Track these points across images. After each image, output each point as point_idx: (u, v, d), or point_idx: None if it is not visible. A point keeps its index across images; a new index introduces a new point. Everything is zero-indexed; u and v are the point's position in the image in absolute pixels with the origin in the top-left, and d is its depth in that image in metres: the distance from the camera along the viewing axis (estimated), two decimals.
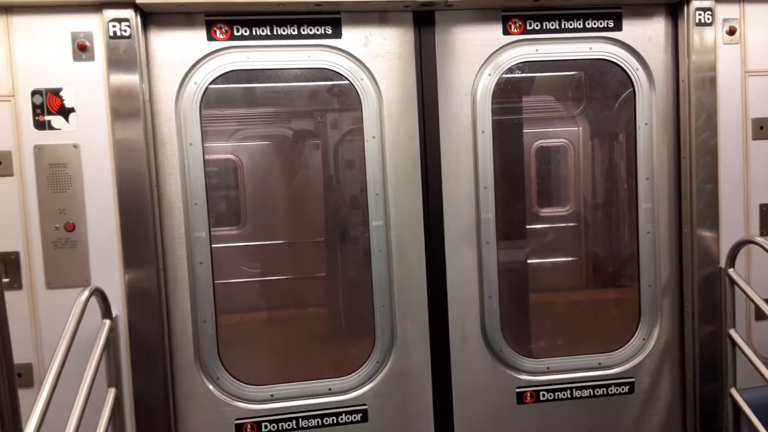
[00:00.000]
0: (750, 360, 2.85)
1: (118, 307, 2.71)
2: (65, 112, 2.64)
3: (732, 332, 3.00)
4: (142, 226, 2.71)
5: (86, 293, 2.40)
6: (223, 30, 2.81)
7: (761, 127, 3.06)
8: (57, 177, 2.65)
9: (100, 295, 2.56)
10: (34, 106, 2.62)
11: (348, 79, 2.93)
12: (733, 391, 3.01)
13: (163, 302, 2.79)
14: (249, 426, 2.95)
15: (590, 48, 3.04)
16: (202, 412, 2.92)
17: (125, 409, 2.73)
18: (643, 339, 3.22)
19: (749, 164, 3.08)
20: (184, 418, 2.90)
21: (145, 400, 2.77)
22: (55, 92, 2.63)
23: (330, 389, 3.03)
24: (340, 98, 3.25)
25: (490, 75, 2.99)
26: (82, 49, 2.63)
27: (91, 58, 2.65)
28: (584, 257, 4.20)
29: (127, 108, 2.66)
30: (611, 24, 3.03)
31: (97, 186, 2.68)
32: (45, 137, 2.63)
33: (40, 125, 2.63)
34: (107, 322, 2.60)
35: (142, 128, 2.67)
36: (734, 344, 2.98)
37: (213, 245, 2.90)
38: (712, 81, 3.01)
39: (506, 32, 2.99)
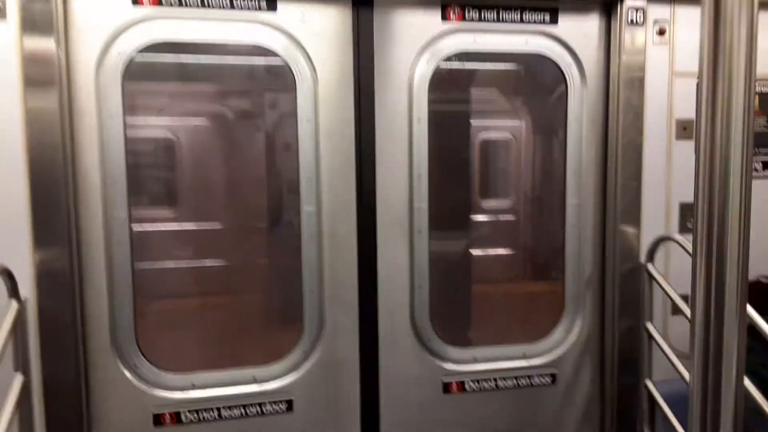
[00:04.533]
0: (665, 353, 2.96)
1: (28, 290, 2.54)
2: None
3: (649, 326, 3.10)
4: (55, 203, 2.55)
5: None
6: None
7: (684, 128, 3.17)
8: None
9: (6, 274, 2.39)
10: None
11: (282, 58, 2.83)
12: (648, 383, 3.12)
13: (76, 284, 2.63)
14: (168, 415, 2.84)
15: (526, 41, 3.06)
16: (117, 401, 2.78)
17: (33, 397, 2.57)
18: (566, 331, 3.29)
19: (672, 163, 3.18)
20: (98, 407, 2.76)
21: (56, 388, 2.62)
22: None
23: (254, 378, 2.95)
24: (277, 78, 3.14)
25: (428, 62, 2.97)
26: None
27: (2, 17, 2.44)
28: (518, 249, 4.27)
29: (41, 75, 2.48)
30: (547, 18, 3.06)
31: (5, 157, 2.49)
32: None
33: None
34: (14, 303, 2.43)
35: (57, 97, 2.50)
36: (651, 337, 3.09)
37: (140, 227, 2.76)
38: (641, 81, 3.09)
39: (445, 19, 2.96)
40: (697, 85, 0.88)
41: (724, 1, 0.82)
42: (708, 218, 0.87)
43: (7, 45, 2.47)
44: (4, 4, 2.44)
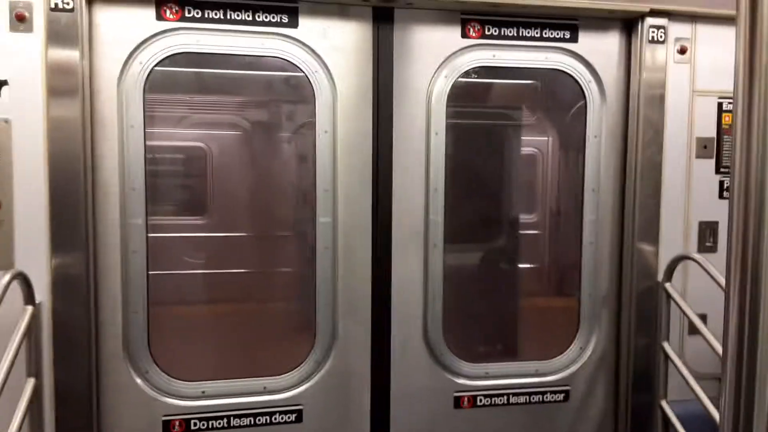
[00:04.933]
0: (681, 373, 2.93)
1: (43, 294, 2.56)
2: None
3: (665, 345, 3.07)
4: (74, 210, 2.57)
5: (7, 277, 2.26)
6: (174, 10, 2.69)
7: (705, 146, 3.15)
8: None
9: (23, 279, 2.41)
10: None
11: (302, 71, 2.85)
12: (664, 403, 3.08)
13: (91, 290, 2.65)
14: (177, 423, 2.84)
15: (546, 57, 3.06)
16: (128, 407, 2.79)
17: (44, 401, 2.58)
18: (581, 348, 3.26)
19: (691, 182, 3.15)
20: (109, 413, 2.77)
21: (67, 393, 2.63)
22: None
23: (265, 387, 2.95)
24: (296, 90, 3.16)
25: (446, 77, 2.97)
26: (19, 20, 2.47)
27: (29, 30, 2.49)
28: (534, 264, 4.23)
29: (64, 85, 2.52)
30: (567, 35, 3.06)
31: (27, 164, 2.53)
32: None
33: None
34: (29, 308, 2.45)
35: (79, 107, 2.53)
36: (667, 357, 3.05)
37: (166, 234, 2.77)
38: (661, 98, 3.07)
39: (465, 35, 2.97)
40: (733, 102, 0.86)
41: (760, 17, 0.80)
42: (743, 241, 0.85)
43: (33, 56, 2.50)
44: (31, 17, 2.48)
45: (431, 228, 3.02)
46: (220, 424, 2.88)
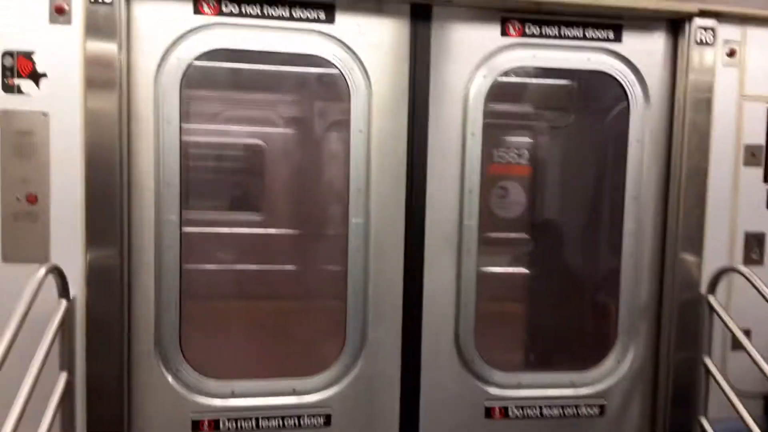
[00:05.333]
0: (723, 390, 2.82)
1: (77, 288, 2.57)
2: (36, 77, 2.50)
3: (707, 360, 2.96)
4: (109, 204, 2.58)
5: (42, 271, 2.26)
6: (211, 5, 2.69)
7: (753, 154, 3.03)
8: (22, 145, 2.50)
9: (57, 273, 2.42)
10: (4, 68, 2.47)
11: (338, 68, 2.82)
12: (703, 421, 2.97)
13: (125, 286, 2.66)
14: (206, 422, 2.82)
15: (588, 58, 2.98)
16: (157, 404, 2.79)
17: (76, 396, 2.59)
18: (618, 360, 3.16)
19: (738, 190, 3.04)
20: (139, 409, 2.77)
21: (98, 387, 2.64)
22: (27, 55, 2.49)
23: (294, 389, 2.92)
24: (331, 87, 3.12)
25: (485, 77, 2.92)
26: (59, 12, 2.49)
27: (68, 22, 2.51)
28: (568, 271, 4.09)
29: (102, 78, 2.53)
30: (611, 35, 2.98)
31: (64, 158, 2.54)
32: (13, 102, 2.49)
33: (9, 89, 2.49)
34: (63, 302, 2.46)
35: (116, 100, 2.54)
36: (708, 373, 2.94)
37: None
38: (708, 102, 2.97)
39: (504, 34, 2.92)
40: None
41: None
42: None
43: (71, 48, 2.52)
44: (69, 9, 2.50)
45: (465, 232, 2.96)
46: (248, 425, 2.86)
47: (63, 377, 2.48)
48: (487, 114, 2.95)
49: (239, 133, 3.38)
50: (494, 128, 3.24)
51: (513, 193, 3.44)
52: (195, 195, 3.04)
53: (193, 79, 2.78)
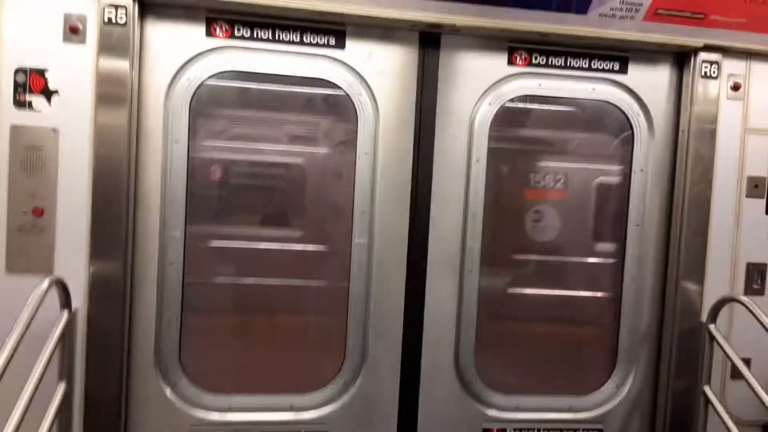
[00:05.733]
0: (722, 419, 2.82)
1: (79, 300, 2.59)
2: (48, 94, 2.53)
3: (707, 389, 2.96)
4: (115, 219, 2.61)
5: (46, 283, 2.28)
6: (224, 28, 2.73)
7: (756, 186, 3.05)
8: (31, 160, 2.53)
9: (60, 285, 2.44)
10: (16, 85, 2.51)
11: (346, 93, 2.86)
12: None
13: (127, 299, 2.68)
14: None
15: (593, 89, 3.01)
16: (155, 417, 2.80)
17: (74, 407, 2.61)
18: (617, 386, 3.16)
19: (741, 221, 3.05)
20: (136, 422, 2.78)
21: (97, 399, 2.66)
22: (40, 72, 2.52)
23: (291, 406, 2.93)
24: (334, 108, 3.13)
25: (490, 104, 2.95)
26: (73, 31, 2.53)
27: (82, 42, 2.54)
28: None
29: (113, 95, 2.56)
30: (617, 67, 3.01)
31: (72, 173, 2.57)
32: (24, 117, 2.52)
33: (21, 104, 2.52)
34: (65, 313, 2.48)
35: (126, 118, 2.58)
36: (708, 401, 2.94)
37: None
38: (712, 134, 2.99)
39: (511, 63, 2.95)
40: None
41: None
42: None
43: (84, 66, 2.56)
44: (84, 29, 2.54)
45: (468, 254, 2.98)
46: None
47: (62, 387, 2.49)
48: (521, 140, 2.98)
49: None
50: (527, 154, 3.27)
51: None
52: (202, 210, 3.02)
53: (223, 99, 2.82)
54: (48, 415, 2.33)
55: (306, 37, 2.80)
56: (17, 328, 2.06)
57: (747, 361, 2.84)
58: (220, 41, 2.74)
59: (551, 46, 2.95)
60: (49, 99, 2.53)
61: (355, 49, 2.84)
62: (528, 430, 3.09)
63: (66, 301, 2.49)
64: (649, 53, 3.02)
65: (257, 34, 2.76)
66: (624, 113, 3.04)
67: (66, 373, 2.53)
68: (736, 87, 3.00)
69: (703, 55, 2.96)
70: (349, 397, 2.96)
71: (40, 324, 2.20)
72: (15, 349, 2.00)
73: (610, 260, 3.21)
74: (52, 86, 2.53)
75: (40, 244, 2.56)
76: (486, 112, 2.95)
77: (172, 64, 2.70)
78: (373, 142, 2.88)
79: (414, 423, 3.01)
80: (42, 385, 2.18)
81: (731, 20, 2.87)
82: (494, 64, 2.94)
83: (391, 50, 2.87)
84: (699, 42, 2.92)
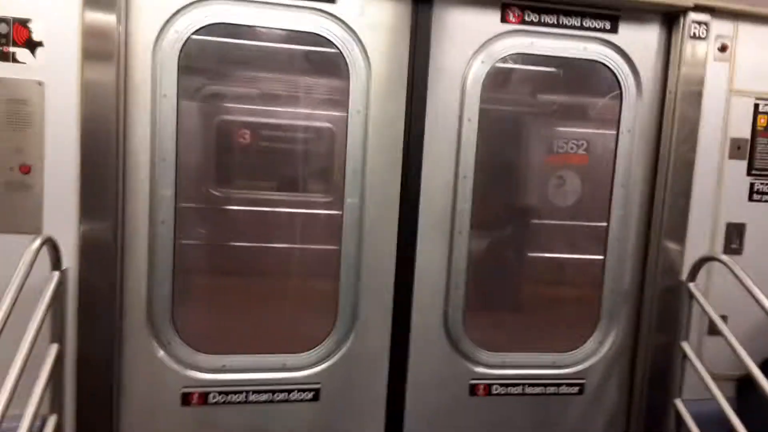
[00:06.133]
0: (699, 373, 2.93)
1: (70, 260, 2.56)
2: (32, 46, 2.45)
3: (684, 344, 3.07)
4: (104, 177, 2.56)
5: (38, 242, 2.25)
6: None
7: (738, 147, 3.12)
8: (16, 114, 2.46)
9: (51, 245, 2.40)
10: None
11: (338, 48, 2.81)
12: (678, 402, 3.09)
13: (118, 258, 2.65)
14: (196, 395, 2.85)
15: (585, 48, 3.02)
16: (148, 377, 2.81)
17: (66, 368, 2.59)
18: (599, 342, 3.26)
19: (723, 182, 3.13)
20: (129, 382, 2.78)
21: (89, 360, 2.65)
22: (23, 22, 2.44)
23: (285, 365, 2.96)
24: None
25: (483, 62, 2.94)
26: None
27: None
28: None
29: (100, 49, 2.49)
30: (608, 26, 3.02)
31: (59, 129, 2.51)
32: (7, 70, 2.44)
33: (4, 56, 2.44)
34: (56, 274, 2.45)
35: (114, 72, 2.51)
36: (685, 356, 3.05)
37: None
38: (699, 96, 3.04)
39: (504, 20, 2.94)
40: None
41: None
42: None
43: (69, 18, 2.47)
44: None
45: (458, 215, 3.00)
46: (237, 398, 2.89)
47: (54, 349, 2.47)
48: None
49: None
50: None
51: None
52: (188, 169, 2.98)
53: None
54: (41, 378, 2.31)
55: None
56: (10, 289, 2.03)
57: (724, 318, 2.93)
58: None
59: (545, 3, 2.94)
60: (33, 51, 2.45)
61: (347, 3, 2.79)
62: (513, 385, 3.17)
63: (57, 261, 2.46)
64: (639, 12, 3.04)
65: None
66: (614, 73, 3.06)
67: (58, 334, 2.50)
68: (723, 48, 3.04)
69: (692, 15, 2.98)
70: (340, 355, 3.00)
71: (29, 284, 2.17)
72: (9, 312, 1.97)
73: (597, 223, 3.27)
74: (36, 37, 2.45)
75: (28, 203, 2.51)
76: (479, 70, 2.94)
77: (159, 17, 2.63)
78: (366, 99, 2.85)
79: (403, 380, 3.07)
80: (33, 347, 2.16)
81: None
82: (487, 20, 2.92)
83: (384, 4, 2.82)
84: (689, 2, 2.94)
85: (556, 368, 3.23)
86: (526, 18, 2.95)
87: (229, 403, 2.89)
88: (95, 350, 2.65)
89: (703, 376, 2.90)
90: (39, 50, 2.45)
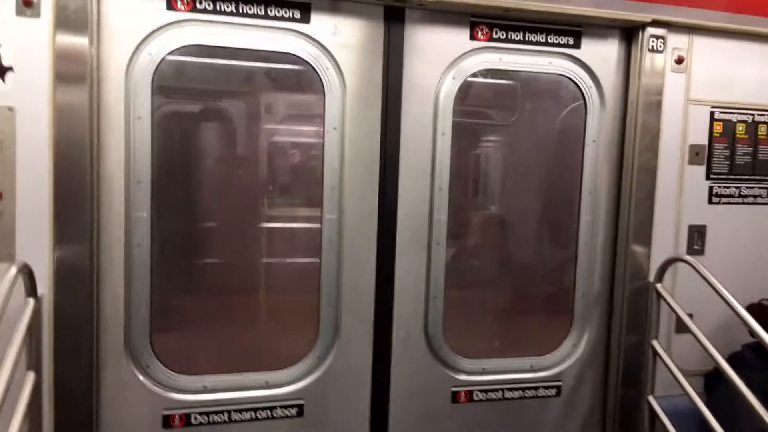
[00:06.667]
0: (669, 369, 3.05)
1: (44, 287, 2.51)
2: (2, 71, 2.40)
3: (654, 343, 3.19)
4: (78, 201, 2.52)
5: (14, 270, 2.19)
6: (185, 1, 2.65)
7: (697, 153, 3.28)
8: None
9: (26, 272, 2.35)
10: None
11: (313, 67, 2.85)
12: (651, 399, 3.20)
13: (94, 284, 2.60)
14: (178, 417, 2.82)
15: (550, 62, 3.13)
16: (128, 402, 2.76)
17: (43, 396, 2.52)
18: (573, 345, 3.36)
19: (683, 187, 3.28)
20: (108, 408, 2.73)
21: (67, 387, 2.59)
22: None
23: (267, 382, 2.95)
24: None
25: (454, 78, 3.02)
26: (26, 5, 2.40)
27: (37, 15, 2.42)
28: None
29: (72, 72, 2.46)
30: (571, 41, 3.14)
31: (31, 154, 2.46)
32: None
33: None
34: (31, 301, 2.39)
35: (87, 95, 2.48)
36: (656, 354, 3.17)
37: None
38: (658, 105, 3.19)
39: (473, 38, 3.03)
40: None
41: None
42: None
43: (40, 42, 2.44)
44: (38, 2, 2.42)
45: (435, 226, 3.06)
46: (220, 418, 2.87)
47: (30, 377, 2.40)
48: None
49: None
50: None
51: None
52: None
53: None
54: (20, 407, 2.24)
55: (270, 11, 2.76)
56: None
57: (690, 316, 3.04)
58: (181, 14, 2.66)
59: (511, 21, 3.04)
60: (2, 76, 2.40)
61: (321, 23, 2.83)
62: (492, 390, 3.24)
63: (32, 288, 2.40)
64: (600, 28, 3.17)
65: (220, 7, 2.70)
66: (578, 86, 3.19)
67: (34, 362, 2.44)
68: (679, 60, 3.20)
69: (650, 30, 3.12)
70: (323, 370, 3.01)
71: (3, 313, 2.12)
72: None
73: (567, 228, 3.38)
74: (5, 62, 2.40)
75: None
76: (450, 86, 3.01)
77: (132, 39, 2.61)
78: (341, 117, 2.89)
79: (386, 392, 3.10)
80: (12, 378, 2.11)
81: None
82: (457, 38, 3.00)
83: (357, 24, 2.88)
84: (647, 17, 3.09)
85: (533, 372, 3.31)
86: (494, 35, 3.04)
87: (213, 423, 2.87)
88: (73, 377, 2.59)
89: (673, 373, 3.01)
90: (9, 75, 2.41)
